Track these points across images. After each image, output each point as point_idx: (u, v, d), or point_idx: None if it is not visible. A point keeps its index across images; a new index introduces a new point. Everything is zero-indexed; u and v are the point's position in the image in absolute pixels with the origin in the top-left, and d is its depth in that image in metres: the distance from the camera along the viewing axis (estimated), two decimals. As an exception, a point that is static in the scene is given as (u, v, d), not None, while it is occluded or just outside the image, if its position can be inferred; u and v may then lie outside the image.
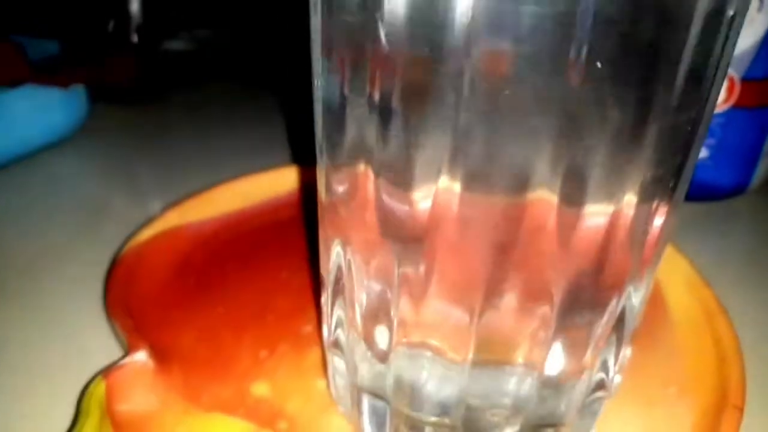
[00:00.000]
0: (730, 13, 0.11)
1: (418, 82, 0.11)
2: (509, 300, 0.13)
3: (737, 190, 0.30)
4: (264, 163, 0.31)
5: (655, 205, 0.13)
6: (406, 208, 0.13)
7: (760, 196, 0.31)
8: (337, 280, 0.16)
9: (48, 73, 0.33)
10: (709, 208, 0.30)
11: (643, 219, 0.13)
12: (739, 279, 0.26)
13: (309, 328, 0.21)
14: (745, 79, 0.27)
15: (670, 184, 0.13)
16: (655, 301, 0.22)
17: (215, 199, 0.27)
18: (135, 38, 0.42)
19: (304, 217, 0.27)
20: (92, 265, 0.25)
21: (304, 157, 0.35)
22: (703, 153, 0.29)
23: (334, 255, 0.16)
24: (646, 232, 0.13)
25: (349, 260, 0.15)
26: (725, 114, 0.28)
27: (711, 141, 0.29)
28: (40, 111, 0.32)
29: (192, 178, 0.31)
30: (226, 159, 0.35)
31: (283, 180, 0.29)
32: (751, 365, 0.19)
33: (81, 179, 0.34)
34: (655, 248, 0.14)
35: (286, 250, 0.25)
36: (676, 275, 0.23)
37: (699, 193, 0.30)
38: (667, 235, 0.14)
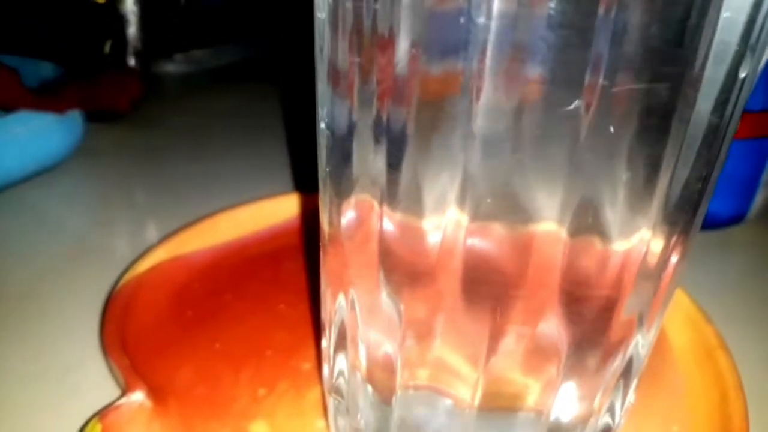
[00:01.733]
0: (742, 75, 0.11)
1: (428, 113, 0.11)
2: (517, 344, 0.13)
3: (735, 219, 0.30)
4: (261, 187, 0.31)
5: (667, 248, 0.13)
6: (412, 241, 0.12)
7: (758, 226, 0.31)
8: (340, 332, 0.16)
9: (44, 98, 0.33)
10: (707, 237, 0.30)
11: (654, 261, 0.13)
12: (737, 309, 0.26)
13: (308, 365, 0.21)
14: (744, 111, 0.28)
15: (682, 230, 0.13)
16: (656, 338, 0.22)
17: (212, 228, 0.27)
18: (131, 60, 0.42)
19: (304, 246, 0.27)
20: (88, 294, 0.24)
21: (302, 182, 0.35)
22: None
23: (335, 302, 0.15)
24: (656, 276, 0.13)
25: (352, 301, 0.15)
26: (723, 144, 0.28)
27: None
28: (36, 136, 0.32)
29: (188, 202, 0.31)
30: (223, 182, 0.35)
31: (282, 208, 0.29)
32: (753, 400, 0.19)
33: (75, 204, 0.33)
34: (666, 292, 0.14)
35: (284, 282, 0.25)
36: (676, 310, 0.23)
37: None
38: (677, 280, 0.14)
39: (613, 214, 0.12)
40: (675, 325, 0.22)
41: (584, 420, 0.15)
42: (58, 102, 0.33)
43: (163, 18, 0.43)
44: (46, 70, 0.39)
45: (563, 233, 0.11)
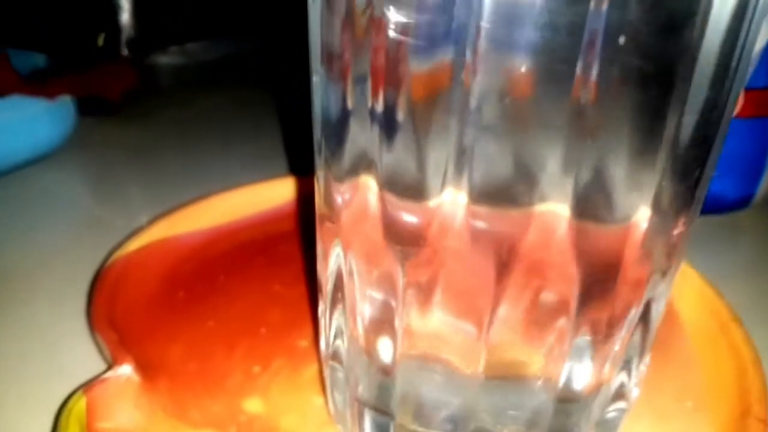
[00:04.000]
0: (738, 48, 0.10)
1: (423, 93, 0.11)
2: (520, 312, 0.13)
3: (742, 202, 0.30)
4: (254, 178, 0.30)
5: (671, 215, 0.12)
6: (412, 218, 0.12)
7: (765, 209, 0.31)
8: (336, 288, 0.15)
9: (35, 84, 0.32)
10: (715, 221, 0.30)
11: (659, 229, 0.12)
12: (747, 293, 0.25)
13: (305, 343, 0.20)
14: (747, 89, 0.27)
15: (687, 194, 0.12)
16: (667, 314, 0.21)
17: (204, 211, 0.26)
18: (125, 52, 0.41)
19: (300, 229, 0.26)
20: (75, 280, 0.24)
21: (295, 170, 0.34)
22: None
23: (333, 262, 0.15)
24: (662, 243, 0.13)
25: (350, 267, 0.14)
26: (728, 124, 0.27)
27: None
28: (27, 122, 0.31)
29: (181, 193, 0.30)
30: (217, 174, 0.34)
31: (275, 192, 0.28)
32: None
33: (67, 194, 0.32)
34: (673, 258, 0.13)
35: (279, 263, 0.24)
36: (686, 288, 0.22)
37: (703, 206, 0.29)
38: (684, 245, 0.13)
39: (619, 171, 0.11)
40: (685, 301, 0.22)
41: (596, 387, 0.14)
42: (49, 89, 0.32)
43: (157, 10, 0.42)
44: (38, 60, 0.38)
45: (564, 198, 0.11)
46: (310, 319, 0.21)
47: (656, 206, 0.12)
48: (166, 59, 0.43)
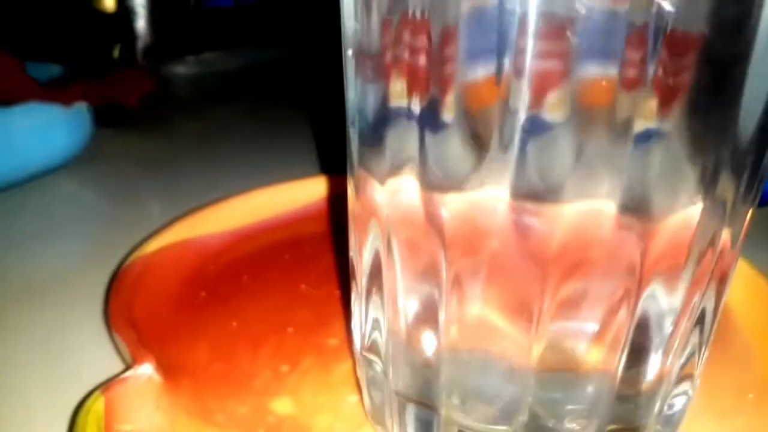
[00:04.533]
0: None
1: (469, 92, 0.11)
2: (575, 304, 0.12)
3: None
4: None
5: (730, 207, 0.12)
6: (455, 212, 0.12)
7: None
8: (372, 282, 0.14)
9: (51, 90, 0.32)
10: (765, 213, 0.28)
11: (719, 221, 0.12)
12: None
13: (334, 341, 0.19)
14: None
15: (748, 185, 0.11)
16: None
17: (225, 212, 0.25)
18: (141, 62, 0.41)
19: (325, 229, 0.25)
20: (92, 285, 0.23)
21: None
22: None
23: (368, 256, 0.14)
24: (726, 233, 0.12)
25: (391, 261, 0.13)
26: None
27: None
28: (43, 129, 0.30)
29: (199, 202, 0.29)
30: (234, 185, 0.33)
31: (297, 193, 0.27)
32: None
33: (84, 202, 0.32)
34: (737, 242, 0.12)
35: (304, 263, 0.23)
36: (739, 280, 0.20)
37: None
38: (743, 237, 0.12)
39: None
40: (739, 293, 0.20)
41: (657, 380, 0.13)
42: (66, 96, 0.32)
43: (173, 20, 0.42)
44: (53, 71, 0.38)
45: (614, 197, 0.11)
46: (339, 318, 0.20)
47: (714, 198, 0.11)
48: (182, 69, 0.43)
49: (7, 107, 0.30)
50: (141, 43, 0.41)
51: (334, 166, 0.34)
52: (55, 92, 0.31)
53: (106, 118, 0.37)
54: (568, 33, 0.10)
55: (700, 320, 0.13)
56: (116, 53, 0.42)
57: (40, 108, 0.30)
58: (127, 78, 0.38)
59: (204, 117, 0.43)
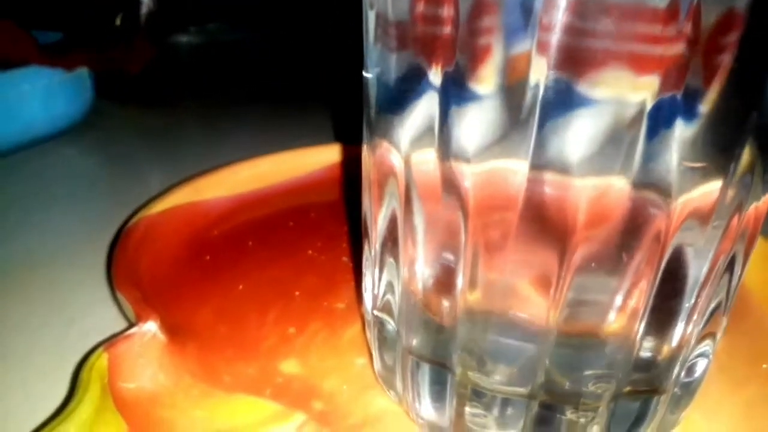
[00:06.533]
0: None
1: (498, 64, 0.10)
2: (597, 270, 0.11)
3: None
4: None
5: (756, 184, 0.11)
6: (474, 180, 0.11)
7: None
8: (386, 244, 0.13)
9: (53, 56, 0.31)
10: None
11: (743, 198, 0.11)
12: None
13: (342, 305, 0.18)
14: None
15: None
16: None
17: (229, 177, 0.25)
18: (143, 31, 0.40)
19: (330, 196, 0.25)
20: (93, 249, 0.22)
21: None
22: None
23: (385, 217, 0.13)
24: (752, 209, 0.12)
25: (411, 222, 0.12)
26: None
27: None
28: (44, 92, 0.30)
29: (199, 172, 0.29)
30: (235, 154, 0.33)
31: (305, 160, 0.27)
32: None
33: (85, 168, 0.31)
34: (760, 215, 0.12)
35: (310, 230, 0.23)
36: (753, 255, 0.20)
37: None
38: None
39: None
40: (752, 267, 0.20)
41: (677, 348, 0.13)
42: (67, 61, 0.31)
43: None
44: (55, 39, 0.37)
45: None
46: (346, 284, 0.19)
47: (737, 166, 0.11)
48: (185, 39, 0.42)
49: (8, 70, 0.29)
50: (144, 12, 0.40)
51: (342, 134, 0.33)
52: (56, 57, 0.31)
53: (107, 88, 0.36)
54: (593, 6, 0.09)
55: (725, 283, 0.13)
56: (118, 22, 0.41)
57: (41, 71, 0.30)
58: (129, 47, 0.37)
59: (206, 88, 0.43)
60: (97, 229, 0.23)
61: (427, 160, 0.12)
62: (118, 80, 0.37)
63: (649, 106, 0.10)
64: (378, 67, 0.12)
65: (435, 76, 0.11)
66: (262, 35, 0.45)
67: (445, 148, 0.11)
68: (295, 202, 0.24)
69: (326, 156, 0.27)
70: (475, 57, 0.10)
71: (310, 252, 0.21)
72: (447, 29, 0.11)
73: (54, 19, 0.40)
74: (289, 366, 0.16)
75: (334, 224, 0.23)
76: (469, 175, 0.11)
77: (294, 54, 0.45)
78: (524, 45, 0.10)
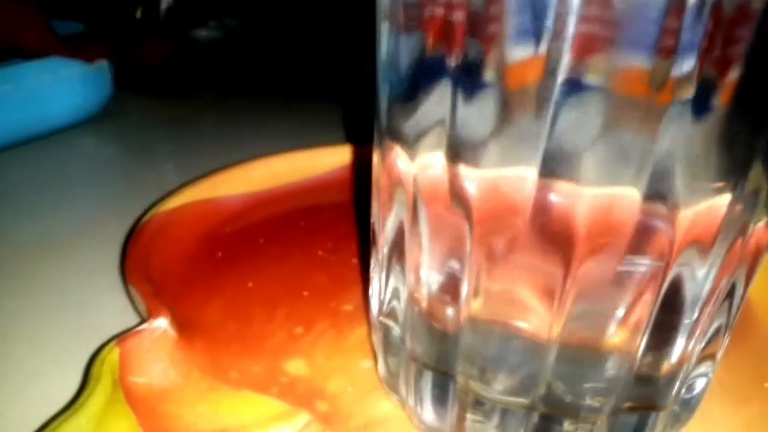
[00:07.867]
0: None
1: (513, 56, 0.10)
2: (600, 282, 0.11)
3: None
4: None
5: (761, 195, 0.11)
6: (481, 184, 0.11)
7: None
8: (393, 250, 0.14)
9: (72, 47, 0.31)
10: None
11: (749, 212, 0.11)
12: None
13: (350, 307, 0.19)
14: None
15: None
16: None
17: (244, 176, 0.25)
18: (163, 25, 0.40)
19: (342, 196, 0.25)
20: (108, 241, 0.22)
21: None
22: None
23: (391, 224, 0.14)
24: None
25: (417, 228, 0.13)
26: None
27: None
28: (64, 83, 0.30)
29: (215, 167, 0.29)
30: (252, 149, 0.33)
31: (320, 160, 0.27)
32: None
33: (103, 158, 0.32)
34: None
35: (321, 230, 0.23)
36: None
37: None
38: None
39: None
40: (757, 284, 0.20)
41: (678, 363, 0.13)
42: (87, 52, 0.31)
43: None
44: (76, 30, 0.37)
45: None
46: (355, 285, 0.20)
47: (745, 185, 0.11)
48: (204, 33, 0.42)
49: (28, 61, 0.30)
50: (164, 6, 0.40)
51: (358, 136, 0.33)
52: (76, 48, 0.31)
53: (126, 80, 0.37)
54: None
55: (727, 304, 0.13)
56: (138, 15, 0.42)
57: (61, 62, 0.30)
58: (149, 40, 0.37)
59: (223, 81, 0.43)
60: (114, 219, 0.24)
61: (435, 164, 0.12)
62: (137, 72, 0.37)
63: (664, 114, 0.10)
64: (390, 52, 0.12)
65: (449, 62, 0.11)
66: (279, 32, 0.45)
67: (454, 146, 0.11)
68: (307, 202, 0.25)
69: (339, 157, 0.27)
70: (485, 43, 0.10)
71: (320, 252, 0.21)
72: (462, 14, 0.10)
73: (75, 10, 0.41)
74: (296, 365, 0.16)
75: (344, 226, 0.23)
76: (475, 181, 0.11)
77: (310, 51, 0.46)
78: (533, 45, 0.10)
